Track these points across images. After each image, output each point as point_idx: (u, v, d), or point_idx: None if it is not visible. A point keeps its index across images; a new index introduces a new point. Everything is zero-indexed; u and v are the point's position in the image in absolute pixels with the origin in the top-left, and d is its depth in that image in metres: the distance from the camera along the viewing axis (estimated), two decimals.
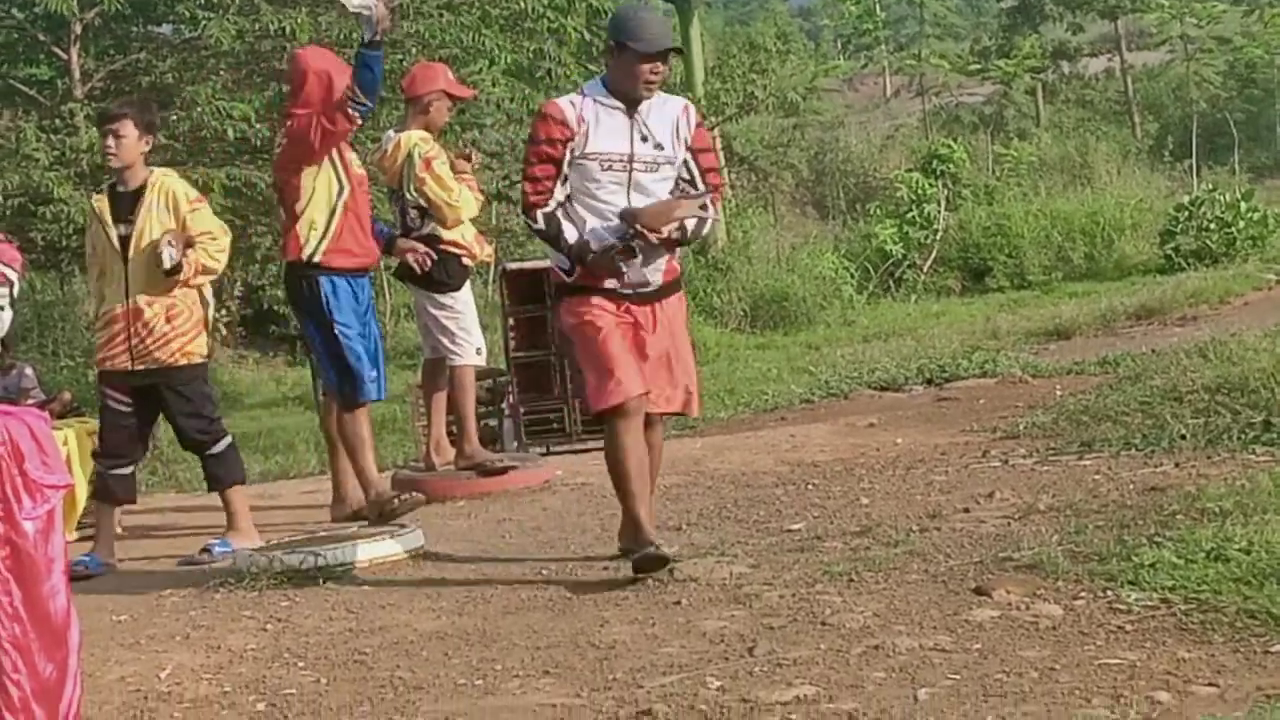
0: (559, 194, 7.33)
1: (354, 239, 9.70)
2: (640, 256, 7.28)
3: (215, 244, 9.48)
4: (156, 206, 9.33)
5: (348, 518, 9.94)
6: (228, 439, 9.65)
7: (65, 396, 12.32)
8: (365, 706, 5.77)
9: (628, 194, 7.34)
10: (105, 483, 9.55)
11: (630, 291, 7.38)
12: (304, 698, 5.97)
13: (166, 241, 9.16)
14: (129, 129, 9.36)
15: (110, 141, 9.38)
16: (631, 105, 7.35)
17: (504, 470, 10.59)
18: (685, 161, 7.50)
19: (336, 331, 9.59)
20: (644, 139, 7.33)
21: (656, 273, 7.45)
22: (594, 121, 7.31)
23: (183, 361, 9.44)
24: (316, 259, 9.56)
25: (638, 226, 7.18)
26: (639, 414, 7.34)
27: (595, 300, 7.35)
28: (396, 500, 9.29)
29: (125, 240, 9.32)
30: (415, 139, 10.32)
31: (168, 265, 9.13)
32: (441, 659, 6.30)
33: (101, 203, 9.51)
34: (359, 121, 9.59)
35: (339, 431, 9.90)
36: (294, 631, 7.01)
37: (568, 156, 7.29)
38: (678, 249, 7.60)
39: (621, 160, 7.32)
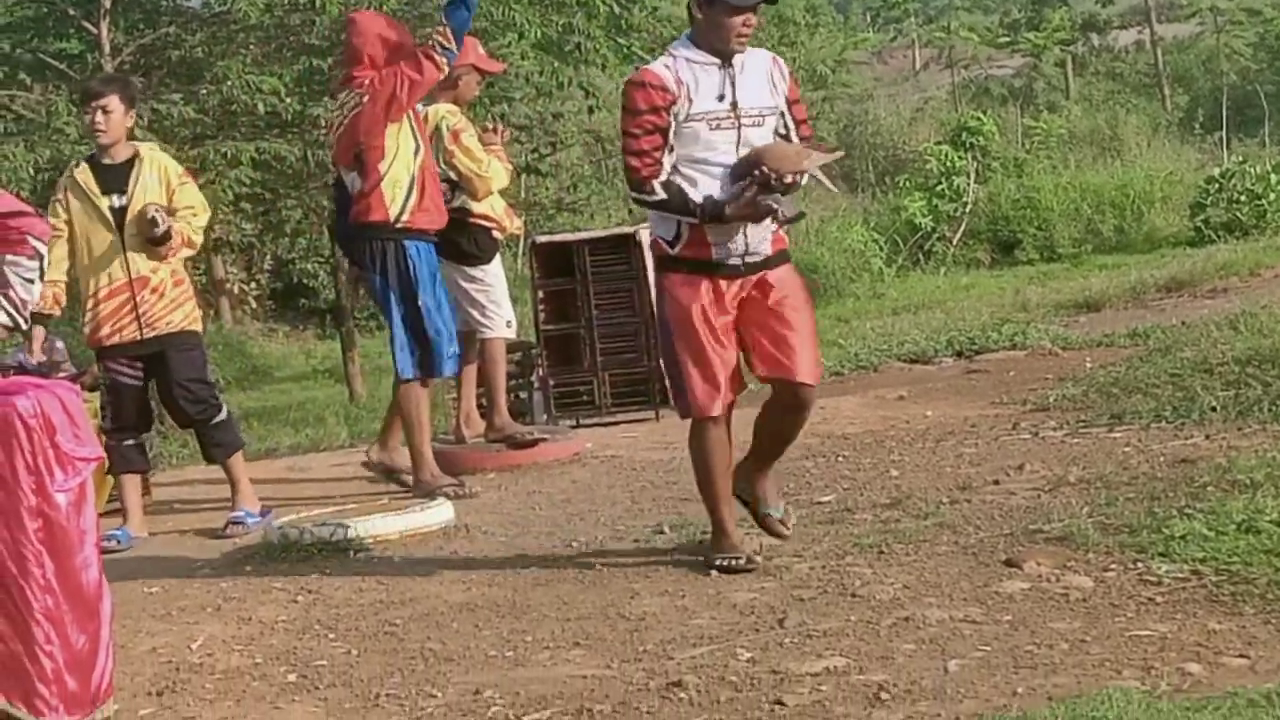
0: (667, 164, 6.89)
1: (433, 200, 9.60)
2: (782, 194, 6.80)
3: (197, 219, 9.45)
4: (150, 178, 9.33)
5: (382, 469, 10.02)
6: (226, 407, 9.74)
7: (95, 370, 12.34)
8: (396, 678, 5.79)
9: (738, 152, 6.89)
10: (122, 455, 9.55)
11: (739, 263, 6.93)
12: (335, 669, 5.99)
13: (155, 209, 9.17)
14: (115, 104, 9.33)
15: (99, 117, 9.32)
16: (725, 60, 6.91)
17: (534, 443, 10.58)
18: (781, 113, 7.08)
19: (420, 302, 9.49)
20: (723, 96, 6.85)
21: (764, 241, 6.98)
22: (693, 82, 6.87)
23: (192, 326, 9.52)
24: (404, 219, 9.45)
25: (764, 168, 6.74)
26: (726, 419, 7.07)
27: (703, 285, 6.92)
28: (451, 490, 9.30)
29: (119, 212, 9.29)
30: (443, 112, 10.27)
31: (160, 230, 9.14)
32: (472, 630, 6.32)
33: (85, 175, 9.42)
34: (446, 68, 9.49)
35: (400, 408, 9.76)
36: (324, 603, 7.03)
37: (673, 124, 6.85)
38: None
39: (729, 116, 6.88)
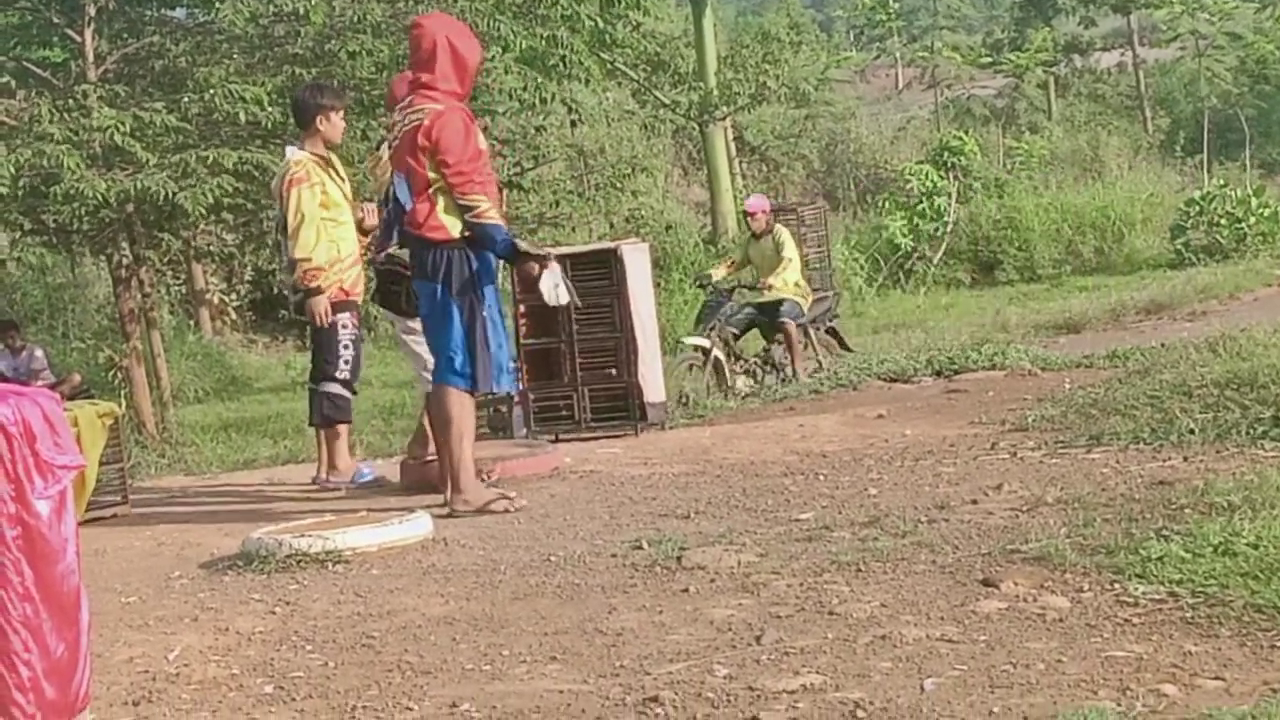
0: None
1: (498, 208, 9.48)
2: None
3: None
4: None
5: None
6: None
7: (75, 378, 12.39)
8: (373, 690, 5.79)
9: None
10: (347, 405, 11.27)
11: None
12: (311, 680, 5.98)
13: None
14: None
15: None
16: None
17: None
18: None
19: (484, 313, 9.25)
20: None
21: None
22: None
23: None
24: (467, 231, 9.21)
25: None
26: None
27: None
28: (501, 505, 9.22)
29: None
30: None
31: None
32: (449, 644, 6.32)
33: (322, 162, 10.95)
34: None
35: (440, 416, 9.44)
36: (302, 615, 7.03)
37: None
38: None
39: None
